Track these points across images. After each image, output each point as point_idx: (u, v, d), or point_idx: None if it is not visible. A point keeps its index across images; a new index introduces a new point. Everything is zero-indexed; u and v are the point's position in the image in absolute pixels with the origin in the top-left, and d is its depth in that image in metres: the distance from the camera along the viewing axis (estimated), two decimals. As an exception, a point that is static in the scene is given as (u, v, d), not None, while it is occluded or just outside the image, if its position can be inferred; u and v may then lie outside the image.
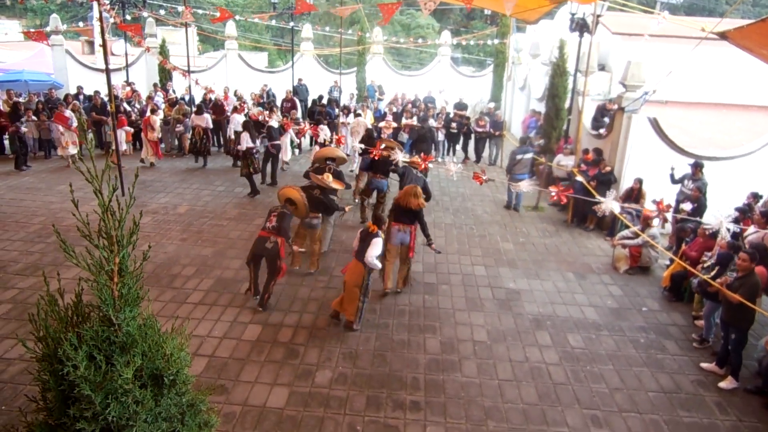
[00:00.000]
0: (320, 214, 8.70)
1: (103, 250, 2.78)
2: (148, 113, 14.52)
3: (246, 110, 15.17)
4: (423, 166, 9.14)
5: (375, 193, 10.81)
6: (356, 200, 11.76)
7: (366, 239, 6.99)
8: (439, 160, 15.62)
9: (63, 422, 2.80)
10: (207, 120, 14.68)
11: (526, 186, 8.27)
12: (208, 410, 3.37)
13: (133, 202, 2.87)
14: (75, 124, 13.87)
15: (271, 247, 7.32)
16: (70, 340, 2.69)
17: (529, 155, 12.29)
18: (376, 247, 6.87)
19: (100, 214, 2.73)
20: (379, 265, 7.17)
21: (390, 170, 10.12)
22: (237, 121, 14.46)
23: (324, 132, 12.48)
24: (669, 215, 9.39)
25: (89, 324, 2.86)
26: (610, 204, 7.66)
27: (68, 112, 13.97)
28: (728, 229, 6.95)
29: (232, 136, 14.46)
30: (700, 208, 9.37)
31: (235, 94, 17.81)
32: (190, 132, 15.01)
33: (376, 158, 9.96)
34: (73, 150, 13.98)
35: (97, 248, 2.75)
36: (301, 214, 8.32)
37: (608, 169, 10.88)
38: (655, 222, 9.50)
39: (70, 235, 3.08)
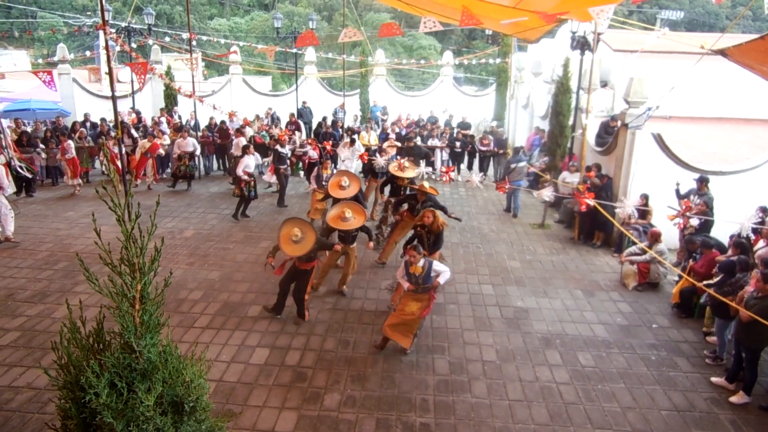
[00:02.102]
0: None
1: (126, 276, 2.80)
2: (155, 139, 14.65)
3: (266, 139, 15.13)
4: (447, 179, 9.22)
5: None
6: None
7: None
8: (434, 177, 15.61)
9: (84, 450, 2.79)
10: (192, 144, 14.67)
11: (548, 194, 8.39)
12: (226, 437, 3.36)
13: (154, 230, 2.86)
14: (72, 154, 14.02)
15: None
16: (92, 367, 2.70)
17: (523, 163, 12.87)
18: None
19: (123, 241, 2.75)
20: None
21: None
22: (238, 144, 14.48)
23: (330, 167, 12.14)
24: (693, 219, 9.24)
25: (111, 351, 2.87)
26: (629, 208, 7.74)
27: (68, 143, 14.09)
28: (750, 229, 6.95)
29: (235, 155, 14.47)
30: (707, 222, 9.31)
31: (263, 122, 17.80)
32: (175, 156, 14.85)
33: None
34: (77, 180, 14.15)
35: (119, 276, 2.76)
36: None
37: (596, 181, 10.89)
38: (677, 220, 9.45)
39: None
